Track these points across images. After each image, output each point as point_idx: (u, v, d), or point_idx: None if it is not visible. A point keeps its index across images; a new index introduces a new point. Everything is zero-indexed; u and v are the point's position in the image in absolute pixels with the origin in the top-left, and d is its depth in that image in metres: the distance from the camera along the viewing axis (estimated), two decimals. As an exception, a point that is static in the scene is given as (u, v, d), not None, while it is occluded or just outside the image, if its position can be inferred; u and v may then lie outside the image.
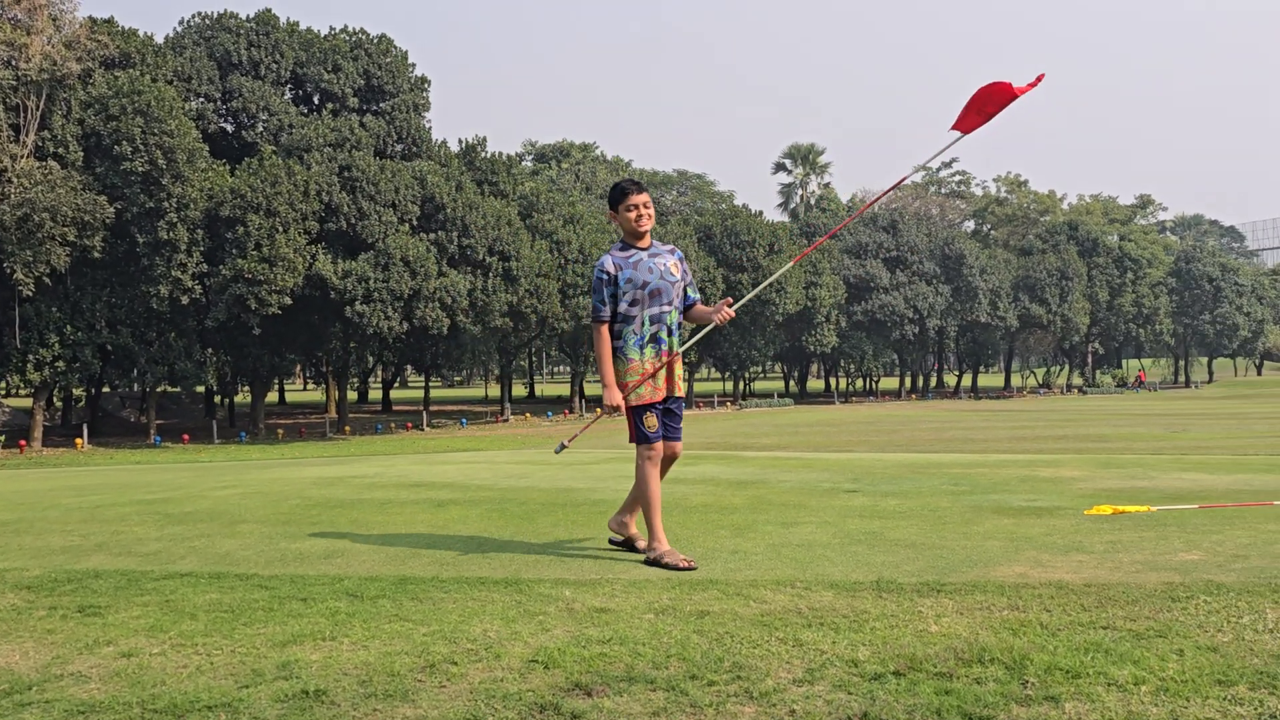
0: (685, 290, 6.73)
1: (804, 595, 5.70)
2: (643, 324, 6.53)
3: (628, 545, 7.06)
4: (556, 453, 7.55)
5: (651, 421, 6.54)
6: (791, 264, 7.52)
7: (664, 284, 6.56)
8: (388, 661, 4.73)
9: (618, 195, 6.55)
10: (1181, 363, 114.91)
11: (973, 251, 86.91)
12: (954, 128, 6.84)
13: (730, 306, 6.69)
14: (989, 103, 6.65)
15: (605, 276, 6.51)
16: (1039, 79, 6.74)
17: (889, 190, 7.55)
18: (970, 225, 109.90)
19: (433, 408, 68.98)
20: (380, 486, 12.07)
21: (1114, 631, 4.81)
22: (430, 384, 74.71)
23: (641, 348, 6.54)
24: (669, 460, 6.83)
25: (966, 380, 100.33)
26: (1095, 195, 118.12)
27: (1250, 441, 30.33)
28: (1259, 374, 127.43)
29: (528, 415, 67.34)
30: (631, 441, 6.71)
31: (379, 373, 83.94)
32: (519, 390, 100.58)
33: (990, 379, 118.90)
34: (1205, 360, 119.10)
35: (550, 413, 69.53)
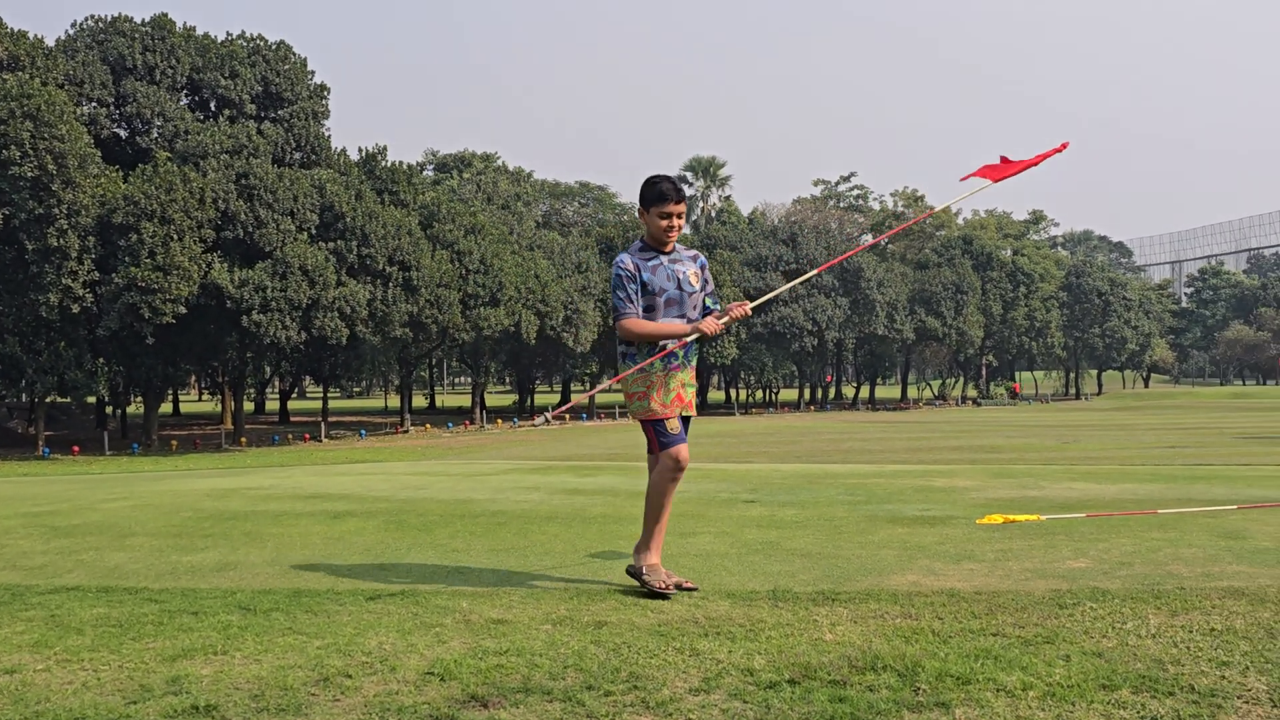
0: (704, 301, 6.22)
1: (701, 605, 5.72)
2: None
3: (637, 575, 6.13)
4: (539, 424, 7.36)
5: (674, 425, 6.01)
6: (816, 271, 7.09)
7: (680, 294, 6.04)
8: (281, 675, 4.65)
9: (654, 197, 5.96)
10: (1072, 375, 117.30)
11: (870, 265, 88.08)
12: (983, 175, 6.75)
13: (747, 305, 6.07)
14: (1013, 166, 6.68)
15: (627, 273, 5.98)
16: (1063, 147, 6.82)
17: (918, 219, 7.64)
18: (868, 237, 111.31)
19: (331, 419, 68.20)
20: (275, 498, 11.89)
21: (1003, 638, 4.89)
22: (329, 395, 73.84)
23: (665, 360, 6.04)
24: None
25: (864, 392, 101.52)
26: (990, 211, 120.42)
27: (1137, 452, 31.06)
28: (1146, 386, 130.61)
29: (428, 426, 66.81)
30: (651, 453, 6.21)
31: (276, 383, 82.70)
32: (419, 401, 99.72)
33: (887, 390, 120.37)
34: (1095, 373, 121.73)
35: (451, 424, 69.04)
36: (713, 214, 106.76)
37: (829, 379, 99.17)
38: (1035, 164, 6.50)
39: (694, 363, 6.20)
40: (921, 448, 34.28)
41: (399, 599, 6.02)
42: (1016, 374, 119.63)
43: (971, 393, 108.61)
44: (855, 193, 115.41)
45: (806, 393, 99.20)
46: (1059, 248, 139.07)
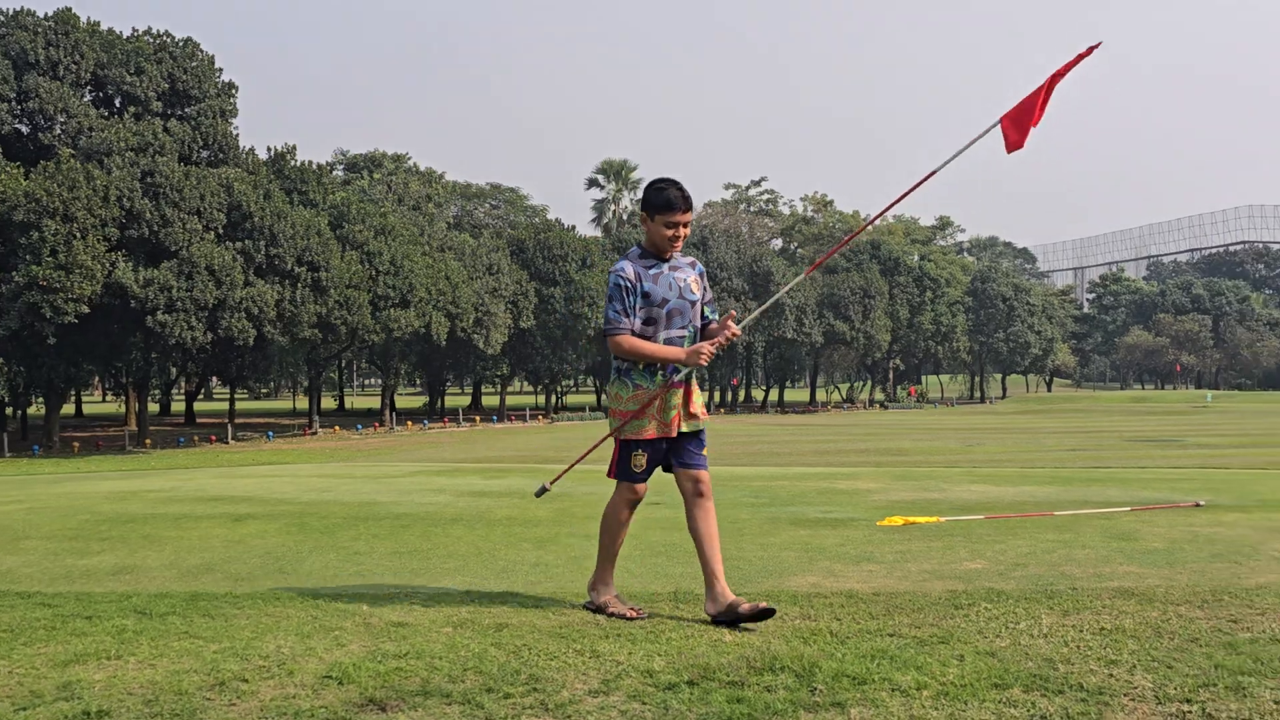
0: (703, 310, 5.75)
1: (603, 607, 5.73)
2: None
3: (730, 615, 5.33)
4: (537, 495, 6.32)
5: (640, 460, 5.54)
6: (801, 277, 6.91)
7: (683, 303, 5.58)
8: (175, 680, 4.58)
9: (660, 204, 5.48)
10: (977, 379, 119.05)
11: (779, 269, 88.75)
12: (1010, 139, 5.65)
13: (736, 324, 5.58)
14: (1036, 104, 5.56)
15: (627, 284, 5.50)
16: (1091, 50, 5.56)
17: (911, 190, 5.61)
18: (778, 243, 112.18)
19: (238, 420, 67.26)
20: (177, 500, 11.72)
21: (899, 639, 4.95)
22: (236, 396, 72.79)
23: (652, 374, 5.53)
24: (696, 491, 5.62)
25: (773, 395, 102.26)
26: (898, 216, 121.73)
27: (1037, 455, 31.65)
28: (1049, 390, 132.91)
29: (337, 428, 66.18)
30: (611, 476, 5.78)
31: (182, 384, 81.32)
32: (328, 403, 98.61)
33: (796, 394, 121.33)
34: (999, 376, 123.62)
35: (360, 426, 68.44)
36: (624, 216, 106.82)
37: (735, 382, 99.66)
38: (1064, 74, 5.48)
39: (694, 375, 5.69)
40: (828, 450, 34.62)
41: (298, 602, 5.96)
42: (924, 377, 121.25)
43: (879, 396, 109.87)
44: (765, 197, 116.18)
45: (715, 395, 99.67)
46: (965, 253, 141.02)
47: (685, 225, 5.56)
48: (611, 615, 5.51)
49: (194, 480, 15.24)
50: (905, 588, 5.99)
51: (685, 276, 5.62)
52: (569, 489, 12.34)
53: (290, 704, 4.27)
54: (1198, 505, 9.69)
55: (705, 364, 5.46)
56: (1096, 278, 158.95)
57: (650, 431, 5.49)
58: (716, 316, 5.76)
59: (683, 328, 5.58)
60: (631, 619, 5.42)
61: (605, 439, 5.85)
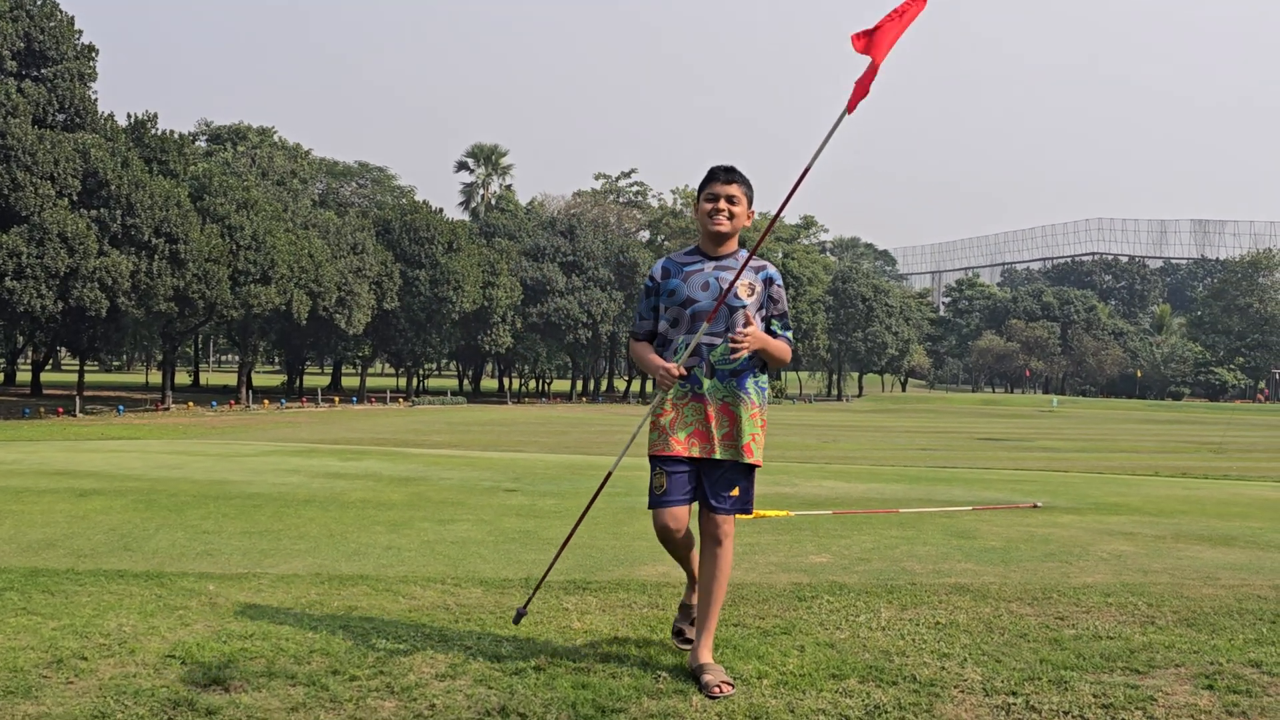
0: (772, 325, 4.74)
1: (454, 592, 5.74)
2: (676, 352, 4.70)
3: (693, 674, 4.40)
4: (515, 622, 5.00)
5: (659, 481, 4.64)
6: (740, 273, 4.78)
7: (715, 305, 4.63)
8: (11, 657, 4.49)
9: (702, 181, 4.79)
10: (835, 377, 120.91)
11: (646, 260, 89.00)
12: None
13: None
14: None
15: (650, 283, 4.86)
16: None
17: (796, 186, 4.69)
18: (645, 235, 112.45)
19: (87, 393, 65.31)
20: (18, 474, 11.39)
21: (743, 629, 5.06)
22: (86, 368, 70.74)
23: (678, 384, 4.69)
24: (706, 534, 4.65)
25: (635, 386, 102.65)
26: (764, 213, 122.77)
27: (889, 453, 32.34)
28: (903, 390, 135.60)
29: (191, 405, 64.65)
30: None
31: (29, 354, 78.76)
32: (183, 378, 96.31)
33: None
34: (856, 375, 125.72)
35: (215, 403, 66.99)
36: (493, 201, 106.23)
37: (605, 370, 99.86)
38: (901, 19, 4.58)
39: (742, 393, 4.64)
40: (687, 442, 34.70)
41: (143, 580, 5.87)
42: (783, 374, 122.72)
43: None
44: (635, 189, 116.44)
45: (579, 384, 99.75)
46: (828, 253, 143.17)
47: (729, 200, 4.71)
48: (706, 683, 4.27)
49: (38, 453, 14.81)
50: (752, 579, 6.10)
51: (730, 277, 4.66)
52: (427, 474, 12.29)
53: (130, 683, 4.22)
54: (1035, 506, 10.01)
55: (666, 386, 4.58)
56: (953, 282, 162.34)
57: (660, 447, 4.65)
58: (785, 333, 4.78)
59: (714, 334, 4.63)
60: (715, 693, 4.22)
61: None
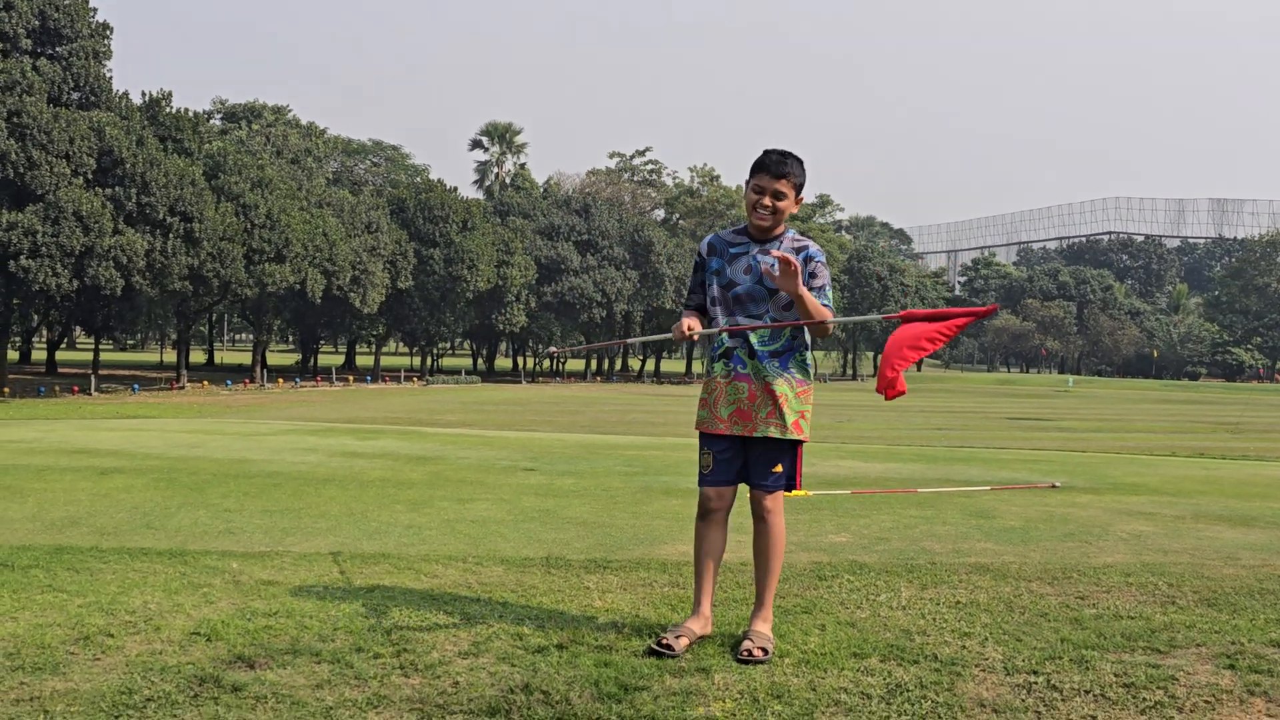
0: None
1: (475, 570, 5.77)
2: (719, 334, 4.76)
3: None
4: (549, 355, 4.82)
5: (706, 460, 4.74)
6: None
7: (759, 290, 4.64)
8: (38, 633, 4.52)
9: (752, 167, 4.68)
10: (850, 356, 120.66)
11: (661, 239, 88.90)
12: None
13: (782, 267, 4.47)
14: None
15: (698, 258, 4.88)
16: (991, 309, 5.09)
17: None
18: (660, 214, 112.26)
19: (103, 371, 65.60)
20: (39, 452, 11.44)
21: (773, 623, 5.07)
22: (101, 347, 70.93)
23: (713, 361, 4.79)
24: (754, 512, 4.72)
25: (650, 365, 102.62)
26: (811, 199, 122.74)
27: (905, 433, 32.32)
28: (918, 370, 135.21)
29: (205, 383, 64.85)
30: None
31: (44, 332, 78.96)
32: (198, 357, 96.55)
33: (673, 364, 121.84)
34: (871, 355, 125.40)
35: (230, 381, 67.19)
36: (507, 180, 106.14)
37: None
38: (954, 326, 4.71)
39: (785, 373, 4.67)
40: (702, 422, 34.70)
41: (166, 558, 5.90)
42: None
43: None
44: (650, 167, 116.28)
45: (594, 364, 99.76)
46: (843, 231, 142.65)
47: (775, 196, 4.62)
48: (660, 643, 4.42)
49: (57, 432, 14.89)
50: (772, 559, 6.12)
51: (774, 262, 4.55)
52: (445, 453, 12.31)
53: (157, 660, 4.25)
54: (1054, 486, 10.02)
55: (678, 339, 4.72)
56: (969, 261, 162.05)
57: (705, 425, 4.72)
58: (827, 305, 4.66)
59: (756, 315, 4.65)
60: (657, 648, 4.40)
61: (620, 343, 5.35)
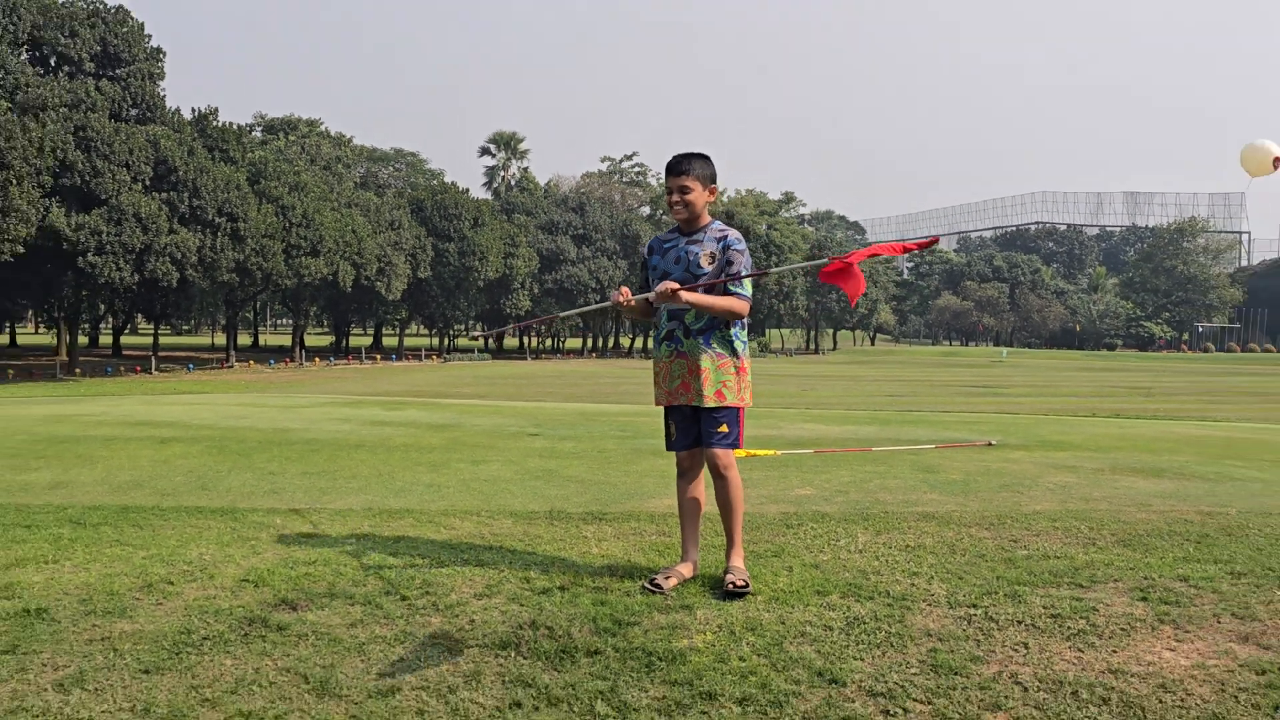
0: (725, 287, 4.62)
1: (487, 523, 5.77)
2: (661, 319, 4.77)
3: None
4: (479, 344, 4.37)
5: (670, 429, 4.82)
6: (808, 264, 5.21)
7: (688, 278, 4.60)
8: (108, 582, 4.53)
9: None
10: (812, 333, 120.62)
11: (647, 233, 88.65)
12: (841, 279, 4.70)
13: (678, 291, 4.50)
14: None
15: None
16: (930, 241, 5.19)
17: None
18: (646, 210, 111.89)
19: (161, 354, 65.35)
20: (106, 424, 11.40)
21: (747, 562, 5.07)
22: (159, 332, 70.71)
23: (659, 344, 4.79)
24: (716, 477, 4.71)
25: (639, 342, 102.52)
26: (750, 189, 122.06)
27: (860, 399, 32.34)
28: (872, 344, 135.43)
29: (251, 363, 64.70)
30: None
31: (110, 319, 78.61)
32: (244, 339, 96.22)
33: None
34: (831, 331, 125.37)
35: (272, 361, 67.01)
36: (512, 182, 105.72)
37: (612, 328, 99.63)
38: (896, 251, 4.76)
39: (708, 349, 4.65)
40: (685, 391, 34.73)
41: (219, 515, 5.89)
42: (767, 330, 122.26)
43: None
44: (636, 169, 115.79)
45: (589, 342, 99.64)
46: (806, 224, 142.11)
47: (679, 190, 4.64)
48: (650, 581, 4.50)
49: (121, 406, 14.83)
50: (746, 510, 6.09)
51: (699, 250, 4.64)
52: (460, 421, 12.29)
53: (211, 603, 4.26)
54: (990, 444, 10.02)
55: (620, 304, 4.64)
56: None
57: (660, 400, 4.80)
58: (740, 290, 4.65)
59: (680, 307, 4.63)
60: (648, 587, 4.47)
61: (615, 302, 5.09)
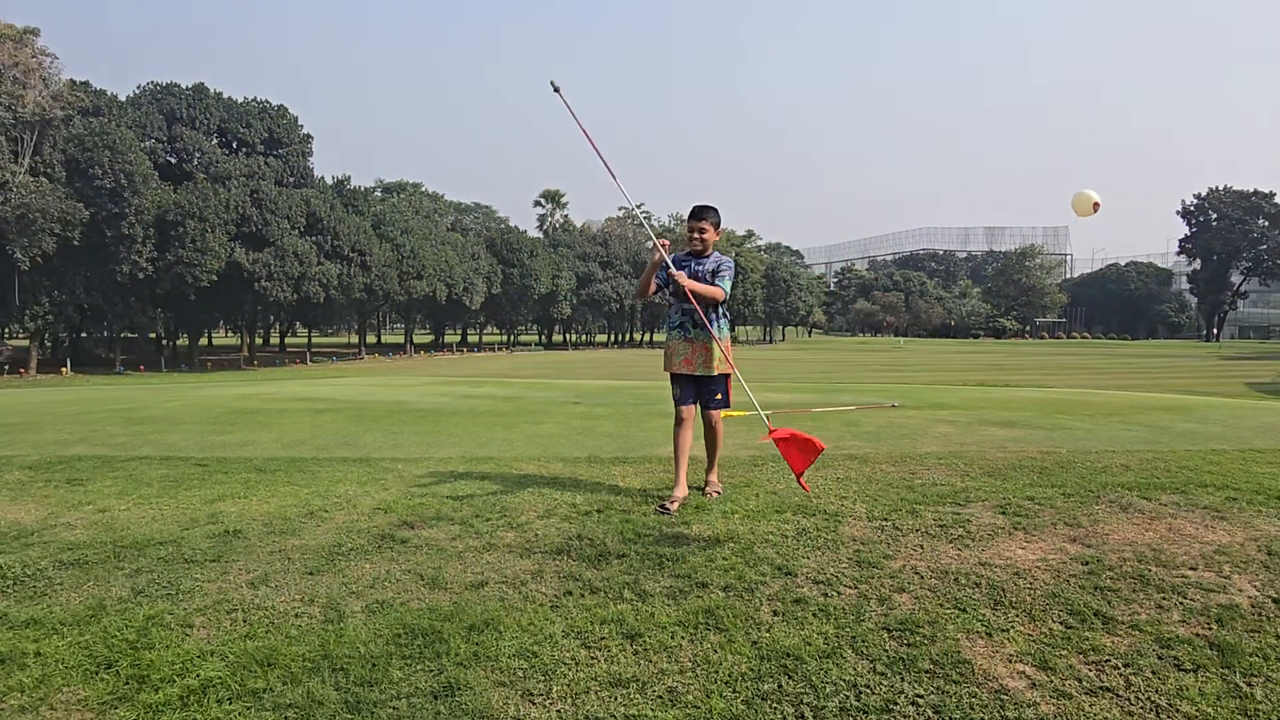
0: (713, 282, 4.77)
1: (545, 465, 5.78)
2: (674, 313, 4.84)
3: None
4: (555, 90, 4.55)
5: (675, 391, 4.87)
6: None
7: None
8: (282, 511, 4.56)
9: (688, 215, 4.78)
10: (766, 329, 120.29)
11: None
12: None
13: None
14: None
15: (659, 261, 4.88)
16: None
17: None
18: (650, 244, 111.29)
19: (313, 350, 65.49)
20: (277, 400, 11.42)
21: (723, 484, 5.09)
22: (312, 335, 70.80)
23: (670, 330, 4.90)
24: (707, 427, 4.93)
25: (649, 337, 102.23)
26: (728, 230, 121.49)
27: (804, 378, 32.17)
28: (810, 336, 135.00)
29: (376, 355, 64.75)
30: None
31: (277, 327, 78.76)
32: (371, 339, 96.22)
33: (663, 335, 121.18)
34: (781, 327, 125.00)
35: (391, 354, 67.04)
36: (557, 225, 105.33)
37: (630, 326, 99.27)
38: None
39: (708, 336, 4.76)
40: (679, 371, 34.63)
41: (357, 464, 5.92)
42: (735, 327, 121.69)
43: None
44: (644, 214, 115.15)
45: (612, 337, 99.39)
46: (762, 251, 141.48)
47: (698, 231, 4.75)
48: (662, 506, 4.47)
49: (287, 388, 14.86)
50: (726, 454, 6.12)
51: (703, 269, 4.75)
52: (524, 395, 12.27)
53: (354, 525, 4.29)
54: (894, 405, 9.99)
55: (656, 261, 4.72)
56: (839, 269, 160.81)
57: (671, 367, 4.84)
58: (721, 284, 4.79)
59: (689, 303, 4.70)
60: (660, 509, 4.44)
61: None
